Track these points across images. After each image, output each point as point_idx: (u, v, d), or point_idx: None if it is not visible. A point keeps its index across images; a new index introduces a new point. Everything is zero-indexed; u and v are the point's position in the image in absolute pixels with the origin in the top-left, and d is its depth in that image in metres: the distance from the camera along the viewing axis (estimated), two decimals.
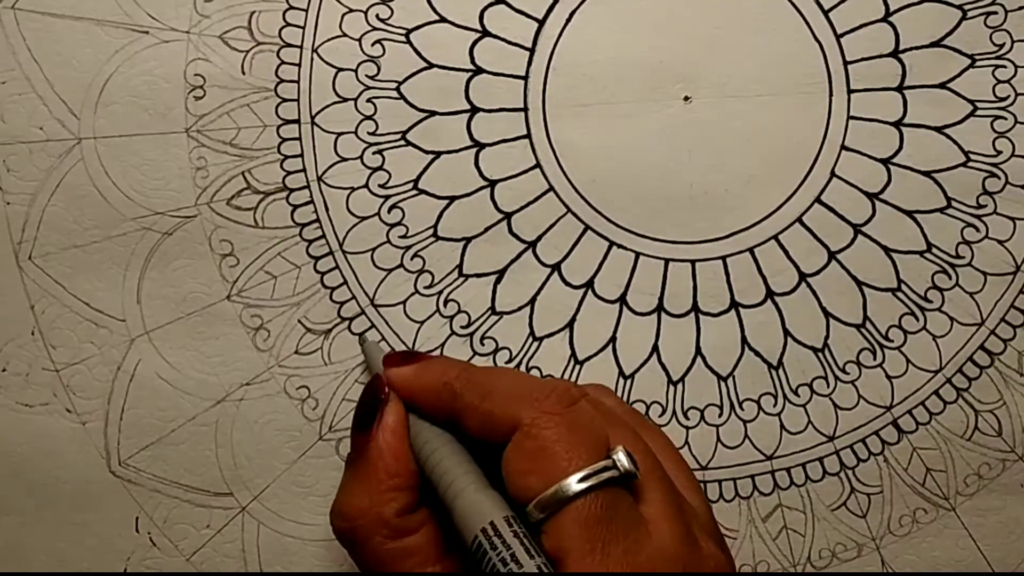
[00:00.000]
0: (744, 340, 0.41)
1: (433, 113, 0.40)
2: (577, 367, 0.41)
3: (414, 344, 0.41)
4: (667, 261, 0.41)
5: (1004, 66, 0.41)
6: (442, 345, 0.41)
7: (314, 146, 0.40)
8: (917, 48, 0.41)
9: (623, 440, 0.31)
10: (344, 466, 0.34)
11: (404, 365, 0.34)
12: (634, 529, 0.29)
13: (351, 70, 0.40)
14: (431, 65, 0.40)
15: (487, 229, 0.41)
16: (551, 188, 0.41)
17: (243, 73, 0.40)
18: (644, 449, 0.31)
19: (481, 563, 0.29)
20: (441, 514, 0.32)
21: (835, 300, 0.41)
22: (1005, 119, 0.41)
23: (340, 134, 0.40)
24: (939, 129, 0.41)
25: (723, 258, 0.41)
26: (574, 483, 0.29)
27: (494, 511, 0.30)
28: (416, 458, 0.33)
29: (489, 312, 0.41)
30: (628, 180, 0.41)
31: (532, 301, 0.41)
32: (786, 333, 0.41)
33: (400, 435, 0.33)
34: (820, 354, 0.41)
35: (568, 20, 0.41)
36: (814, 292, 0.41)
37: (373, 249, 0.41)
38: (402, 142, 0.40)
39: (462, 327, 0.41)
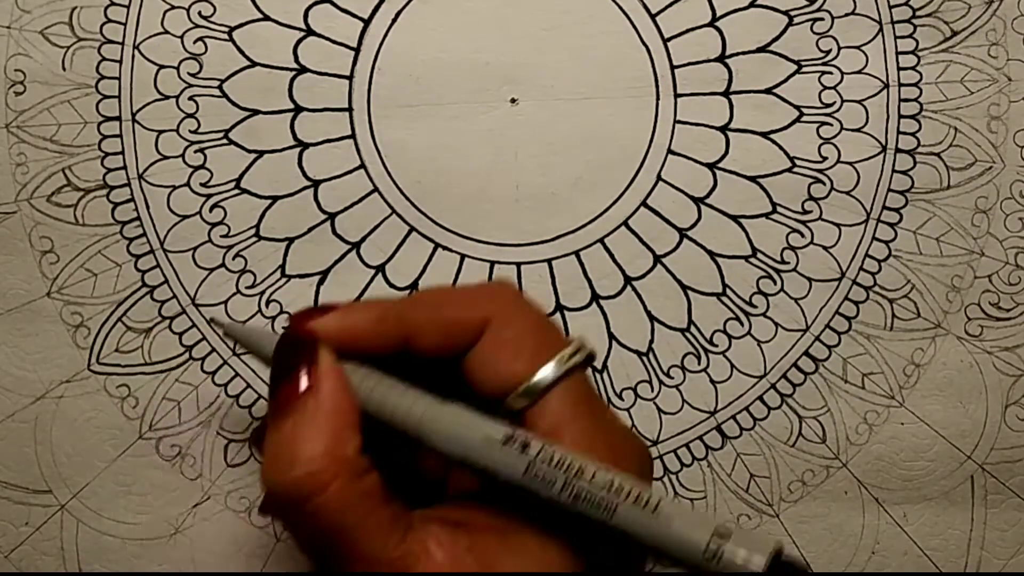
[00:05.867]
0: None
1: (256, 112, 0.40)
2: None
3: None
4: (492, 263, 0.41)
5: (830, 72, 0.41)
6: None
7: (135, 143, 0.40)
8: (743, 53, 0.41)
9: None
10: (268, 428, 0.29)
11: (320, 316, 0.31)
12: (599, 399, 0.32)
13: (173, 67, 0.40)
14: (254, 63, 0.40)
15: (310, 229, 0.41)
16: (376, 189, 0.41)
17: (64, 69, 0.40)
18: None
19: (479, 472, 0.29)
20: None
21: (660, 304, 0.41)
22: (831, 125, 0.41)
23: (161, 132, 0.40)
24: (765, 134, 0.41)
25: (548, 261, 0.41)
26: (556, 365, 0.30)
27: (476, 420, 0.29)
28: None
29: None
30: (454, 182, 0.41)
31: None
32: (611, 336, 0.41)
33: (340, 371, 0.30)
34: (644, 358, 0.41)
35: (394, 20, 0.40)
36: (639, 296, 0.41)
37: (194, 248, 0.40)
38: (224, 140, 0.40)
39: (284, 328, 0.41)
